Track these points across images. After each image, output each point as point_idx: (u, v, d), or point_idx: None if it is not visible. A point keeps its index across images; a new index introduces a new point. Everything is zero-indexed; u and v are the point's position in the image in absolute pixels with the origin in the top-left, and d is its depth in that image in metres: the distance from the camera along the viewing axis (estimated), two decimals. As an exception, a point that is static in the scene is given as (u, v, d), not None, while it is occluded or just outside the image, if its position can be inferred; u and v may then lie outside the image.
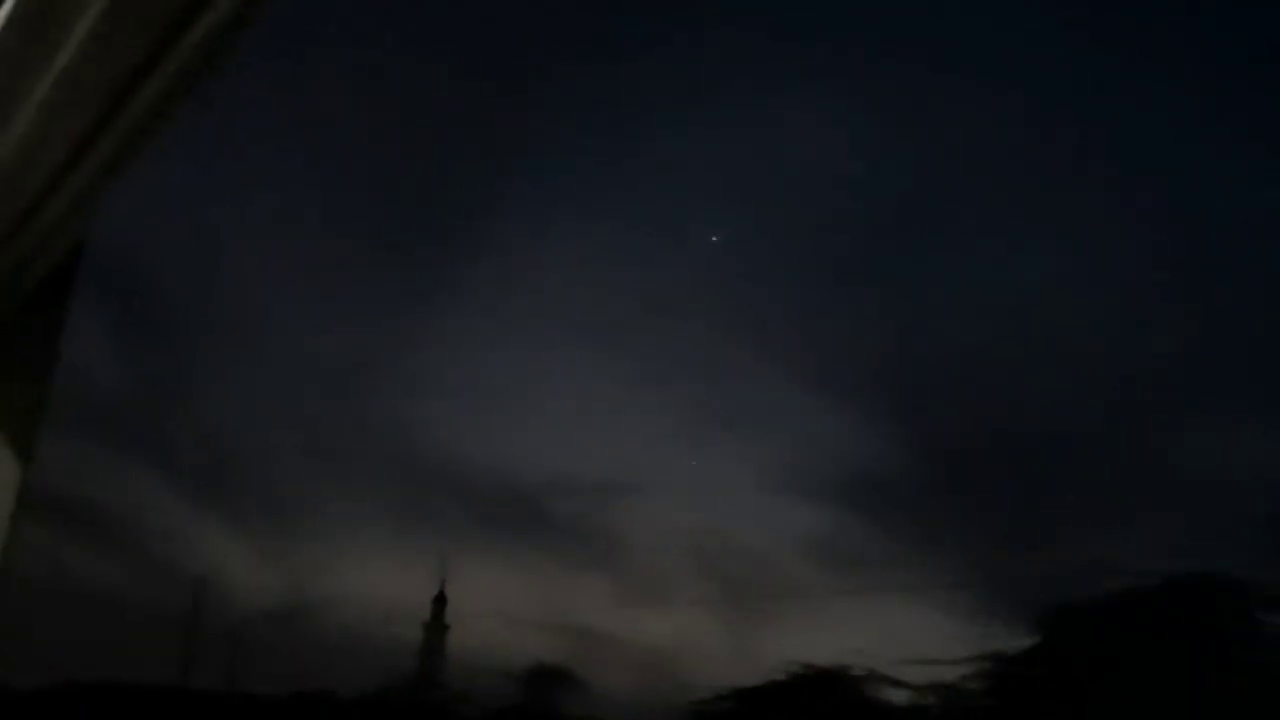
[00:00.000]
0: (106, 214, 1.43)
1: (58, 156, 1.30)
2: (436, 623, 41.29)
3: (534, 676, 34.60)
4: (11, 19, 1.23)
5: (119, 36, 1.11)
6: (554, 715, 32.81)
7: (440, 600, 41.67)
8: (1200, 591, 21.14)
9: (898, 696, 26.03)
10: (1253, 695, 19.16)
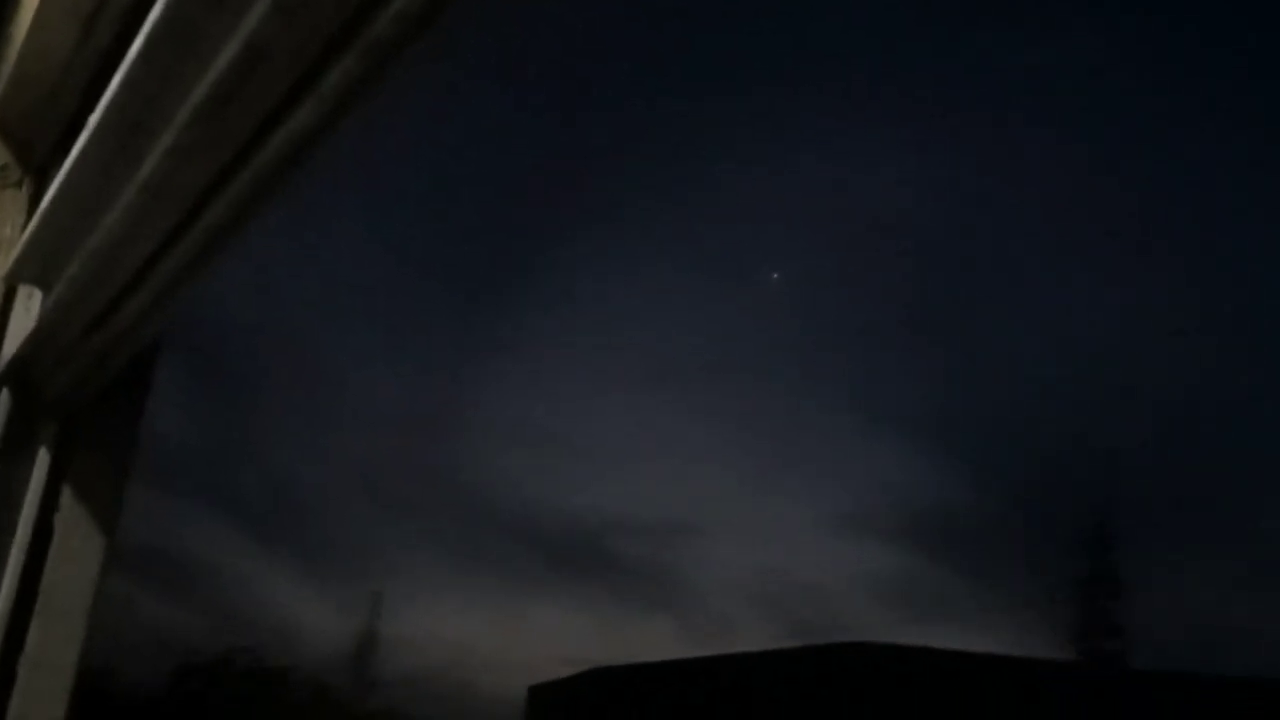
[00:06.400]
0: (186, 307, 1.47)
1: (141, 257, 1.35)
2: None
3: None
4: (102, 128, 1.28)
5: (198, 150, 1.15)
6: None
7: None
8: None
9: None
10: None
